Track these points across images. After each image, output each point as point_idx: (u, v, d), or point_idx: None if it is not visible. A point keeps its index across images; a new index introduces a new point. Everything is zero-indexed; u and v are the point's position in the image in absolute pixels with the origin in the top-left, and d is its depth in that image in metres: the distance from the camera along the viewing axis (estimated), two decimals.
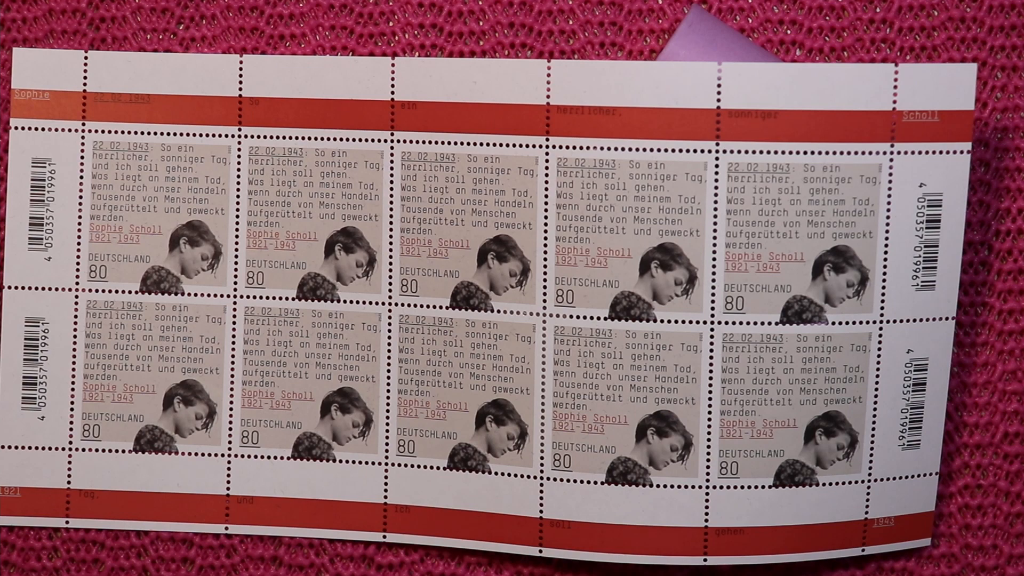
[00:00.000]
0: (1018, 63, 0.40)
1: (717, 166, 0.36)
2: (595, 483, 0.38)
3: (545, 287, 0.37)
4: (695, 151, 0.36)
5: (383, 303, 0.38)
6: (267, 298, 0.38)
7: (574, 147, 0.36)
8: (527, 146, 0.37)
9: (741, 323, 0.37)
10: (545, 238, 0.37)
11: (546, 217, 0.37)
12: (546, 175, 0.37)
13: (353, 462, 0.39)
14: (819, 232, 0.36)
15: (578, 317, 0.37)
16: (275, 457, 0.39)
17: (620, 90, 0.36)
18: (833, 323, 0.37)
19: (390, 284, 0.38)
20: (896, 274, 0.37)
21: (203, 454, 0.39)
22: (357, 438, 0.39)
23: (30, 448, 0.39)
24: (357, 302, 0.38)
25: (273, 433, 0.39)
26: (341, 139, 0.38)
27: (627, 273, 0.37)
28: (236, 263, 0.38)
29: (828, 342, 0.37)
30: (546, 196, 0.37)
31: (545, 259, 0.37)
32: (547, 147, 0.36)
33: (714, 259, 0.36)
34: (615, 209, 0.37)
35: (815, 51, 0.40)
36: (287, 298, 0.38)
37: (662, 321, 0.37)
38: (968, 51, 0.40)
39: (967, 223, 0.40)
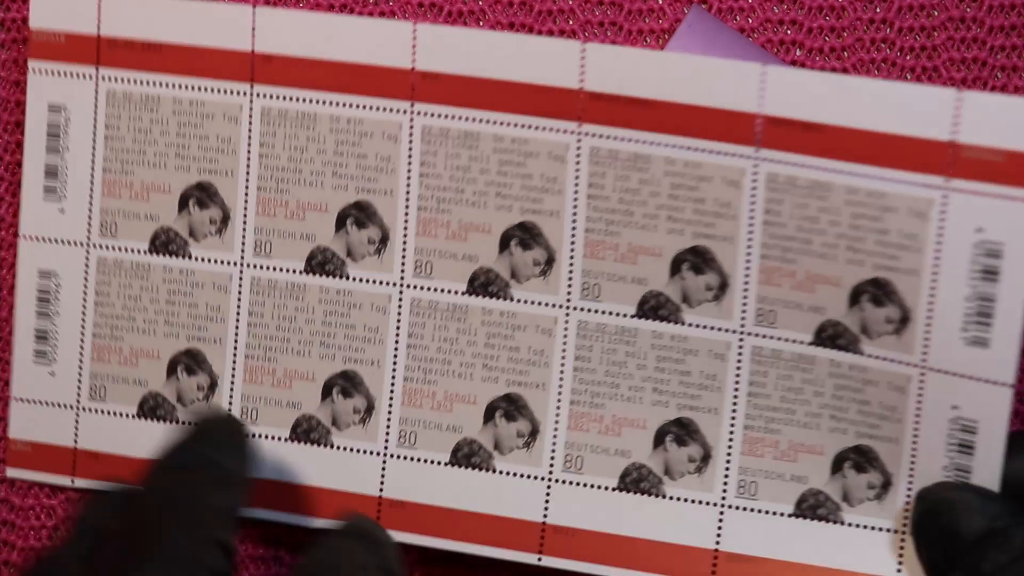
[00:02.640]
0: (1018, 63, 0.40)
1: (756, 174, 0.34)
2: (606, 488, 0.37)
3: (571, 279, 0.36)
4: (734, 155, 0.35)
5: (395, 283, 0.37)
6: (274, 269, 0.37)
7: (609, 136, 0.35)
8: (558, 131, 0.35)
9: (772, 337, 0.35)
10: (574, 228, 0.36)
11: (575, 207, 0.36)
12: (577, 163, 0.35)
13: (351, 450, 0.37)
14: (858, 259, 0.34)
15: (604, 312, 0.36)
16: (273, 437, 0.38)
17: (659, 82, 0.34)
18: (869, 356, 0.34)
19: (403, 264, 0.37)
20: (943, 322, 0.33)
21: None
22: (357, 424, 0.37)
23: (42, 403, 0.39)
24: (368, 281, 0.37)
25: (273, 412, 0.38)
26: (358, 106, 0.36)
27: (657, 272, 0.36)
28: (244, 230, 0.37)
29: (864, 374, 0.35)
30: (576, 185, 0.36)
31: (572, 250, 0.36)
32: (579, 134, 0.35)
33: (748, 269, 0.35)
34: (648, 205, 0.35)
35: (815, 51, 0.40)
36: (295, 271, 0.37)
37: (691, 325, 0.36)
38: (968, 51, 0.40)
39: None
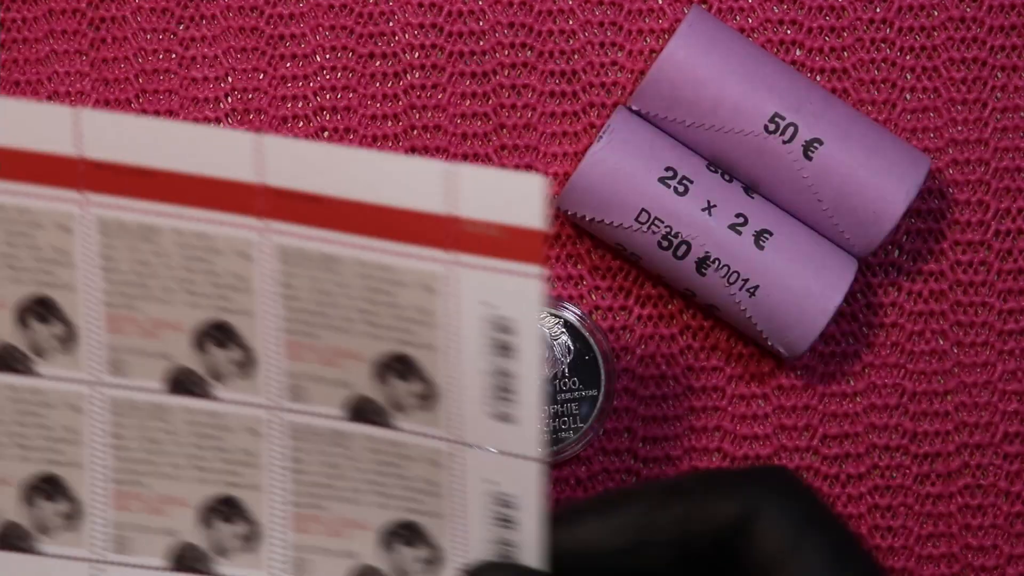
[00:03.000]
0: (1018, 63, 0.40)
1: (264, 246, 0.33)
2: (155, 569, 0.35)
3: (96, 350, 0.34)
4: (242, 226, 0.33)
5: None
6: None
7: (115, 206, 0.33)
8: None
9: (305, 413, 0.34)
10: (93, 300, 0.34)
11: (88, 278, 0.34)
12: (86, 233, 0.33)
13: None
14: (378, 334, 0.33)
15: (133, 388, 0.34)
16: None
17: (156, 148, 0.32)
18: (403, 431, 0.33)
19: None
20: (467, 396, 0.32)
21: None
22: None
23: None
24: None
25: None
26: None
27: (181, 347, 0.34)
28: None
29: (401, 449, 0.34)
30: (86, 257, 0.34)
31: (92, 323, 0.34)
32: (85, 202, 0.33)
33: (273, 343, 0.33)
34: (161, 278, 0.33)
35: (815, 51, 0.40)
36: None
37: (222, 400, 0.34)
38: (968, 51, 0.40)
39: (966, 223, 0.40)
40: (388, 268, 0.32)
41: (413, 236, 0.32)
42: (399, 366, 0.33)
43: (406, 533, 0.34)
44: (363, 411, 0.34)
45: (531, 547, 0.33)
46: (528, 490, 0.33)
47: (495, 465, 0.33)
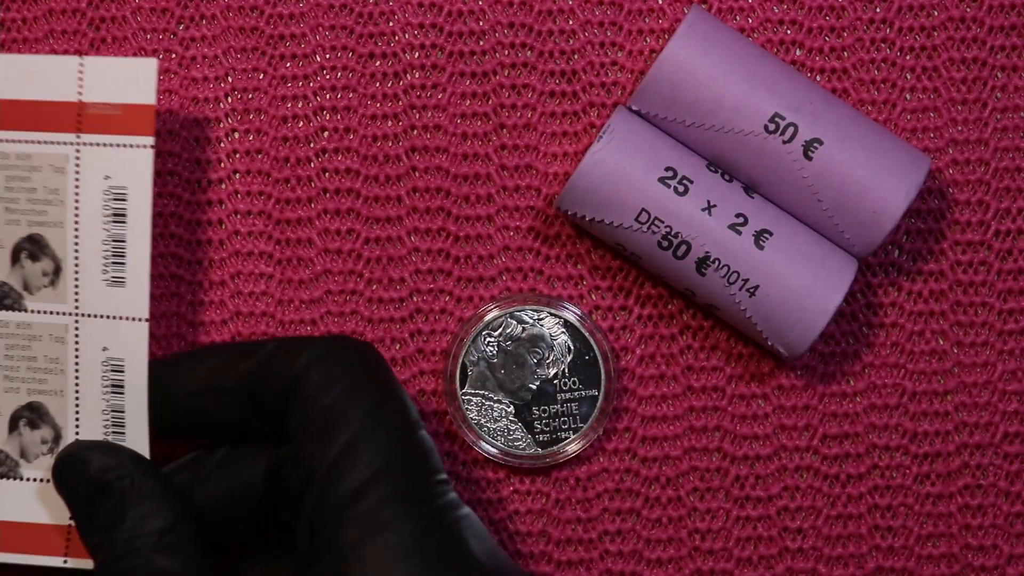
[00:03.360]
0: (1018, 63, 0.40)
1: None
2: None
3: None
4: None
5: None
6: None
7: None
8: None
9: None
10: None
11: None
12: None
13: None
14: (15, 219, 0.37)
15: None
16: None
17: None
18: (32, 311, 0.37)
19: None
20: (88, 268, 0.37)
21: None
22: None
23: None
24: None
25: None
26: None
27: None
28: None
29: (29, 330, 0.37)
30: None
31: None
32: None
33: None
34: None
35: (815, 51, 0.40)
36: None
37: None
38: (968, 51, 0.40)
39: (966, 224, 0.40)
40: (26, 155, 0.37)
41: (47, 124, 0.37)
42: (30, 246, 0.37)
43: (30, 415, 0.38)
44: (1, 298, 0.38)
45: (138, 413, 0.37)
46: (136, 352, 0.37)
47: (110, 331, 0.37)
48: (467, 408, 0.39)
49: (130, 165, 0.37)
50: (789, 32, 0.40)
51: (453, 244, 0.40)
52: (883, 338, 0.40)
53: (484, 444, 0.39)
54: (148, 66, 0.37)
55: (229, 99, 0.40)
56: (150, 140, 0.37)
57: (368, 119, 0.40)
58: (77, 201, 0.37)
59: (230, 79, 0.40)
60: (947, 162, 0.40)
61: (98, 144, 0.37)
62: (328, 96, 0.40)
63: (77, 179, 0.37)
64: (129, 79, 0.37)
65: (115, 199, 0.37)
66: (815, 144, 0.38)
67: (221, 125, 0.40)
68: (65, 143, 0.37)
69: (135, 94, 0.37)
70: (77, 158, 0.37)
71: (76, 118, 0.37)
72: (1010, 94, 0.40)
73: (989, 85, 0.40)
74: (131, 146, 0.37)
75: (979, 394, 0.40)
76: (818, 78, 0.40)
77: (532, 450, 0.39)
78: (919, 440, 0.40)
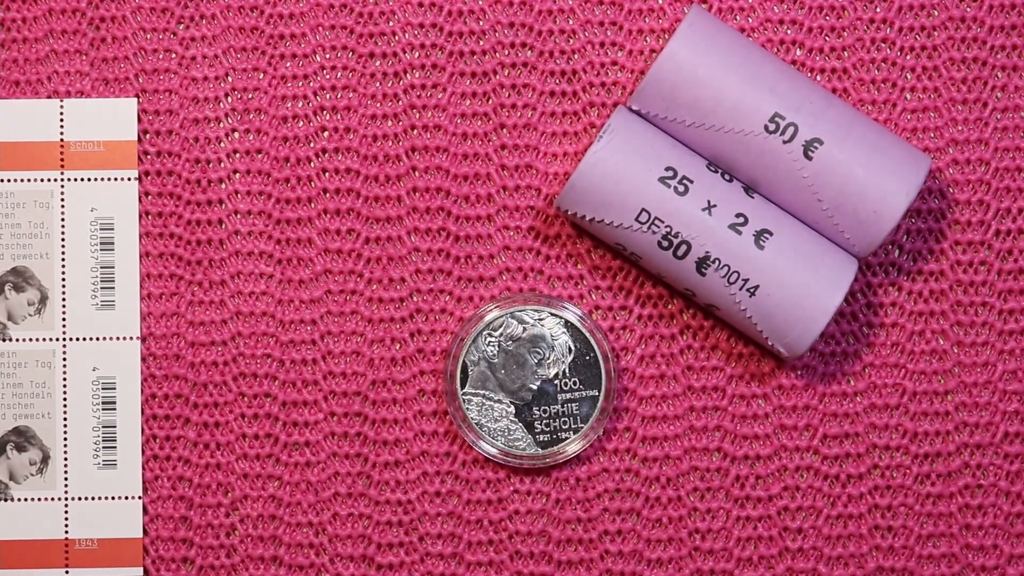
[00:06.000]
0: (1018, 63, 0.40)
1: None
2: None
3: None
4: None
5: None
6: None
7: None
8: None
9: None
10: None
11: None
12: None
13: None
14: (0, 253, 0.39)
15: None
16: None
17: None
18: (18, 340, 0.39)
19: None
20: (76, 294, 0.39)
21: None
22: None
23: None
24: None
25: None
26: None
27: None
28: None
29: (14, 358, 0.39)
30: None
31: None
32: None
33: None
34: None
35: (815, 51, 0.40)
36: None
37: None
38: (968, 51, 0.40)
39: (966, 223, 0.40)
40: (10, 194, 0.39)
41: (30, 164, 0.39)
42: (15, 278, 0.39)
43: (17, 439, 0.39)
44: None
45: (131, 430, 0.39)
46: (128, 370, 0.39)
47: (97, 351, 0.39)
48: (467, 408, 0.39)
49: (116, 197, 0.39)
50: (789, 32, 0.40)
51: (453, 244, 0.40)
52: (883, 338, 0.40)
53: (484, 444, 0.39)
54: (128, 106, 0.39)
55: (229, 99, 0.40)
56: (134, 172, 0.39)
57: (368, 119, 0.40)
58: (63, 233, 0.39)
59: (230, 79, 0.40)
60: (947, 162, 0.40)
61: (82, 179, 0.39)
62: (328, 96, 0.40)
63: (63, 212, 0.39)
64: (110, 118, 0.39)
65: (102, 229, 0.39)
66: (815, 144, 0.38)
67: (221, 125, 0.40)
68: (49, 180, 0.39)
69: (117, 132, 0.39)
70: (62, 193, 0.39)
71: (59, 156, 0.39)
72: (1010, 94, 0.40)
73: (989, 85, 0.40)
74: (116, 179, 0.39)
75: (979, 394, 0.40)
76: (818, 78, 0.40)
77: (532, 450, 0.39)
78: (919, 440, 0.40)
